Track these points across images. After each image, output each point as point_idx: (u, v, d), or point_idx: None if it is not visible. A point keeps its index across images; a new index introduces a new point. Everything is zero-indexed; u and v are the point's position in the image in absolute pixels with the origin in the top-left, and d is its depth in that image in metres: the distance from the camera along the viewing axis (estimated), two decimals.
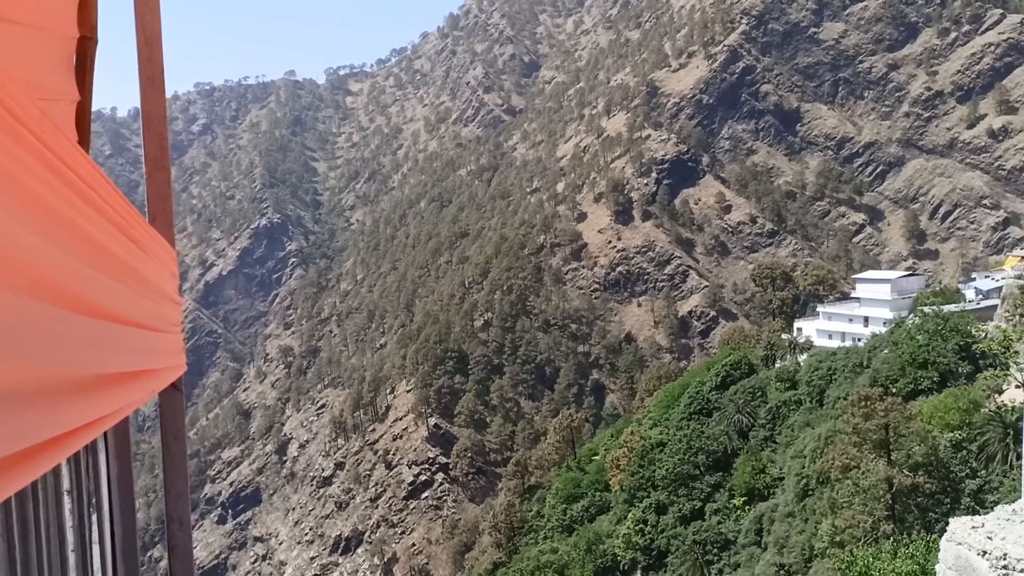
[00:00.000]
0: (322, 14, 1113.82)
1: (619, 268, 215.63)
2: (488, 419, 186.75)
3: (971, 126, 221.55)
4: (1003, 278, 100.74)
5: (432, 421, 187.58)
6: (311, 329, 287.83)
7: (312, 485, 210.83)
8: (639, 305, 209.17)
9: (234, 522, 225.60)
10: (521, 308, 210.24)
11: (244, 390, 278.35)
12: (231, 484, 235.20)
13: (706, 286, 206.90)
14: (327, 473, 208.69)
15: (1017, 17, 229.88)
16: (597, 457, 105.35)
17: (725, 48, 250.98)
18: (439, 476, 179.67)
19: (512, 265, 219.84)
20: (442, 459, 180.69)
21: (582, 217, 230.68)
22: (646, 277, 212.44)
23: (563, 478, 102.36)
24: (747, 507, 72.03)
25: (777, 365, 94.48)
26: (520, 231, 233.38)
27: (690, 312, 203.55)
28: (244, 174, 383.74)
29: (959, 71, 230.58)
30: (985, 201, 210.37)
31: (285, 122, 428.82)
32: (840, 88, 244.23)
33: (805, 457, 62.04)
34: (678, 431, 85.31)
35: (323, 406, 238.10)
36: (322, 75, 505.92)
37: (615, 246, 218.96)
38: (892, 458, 49.98)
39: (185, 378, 4.19)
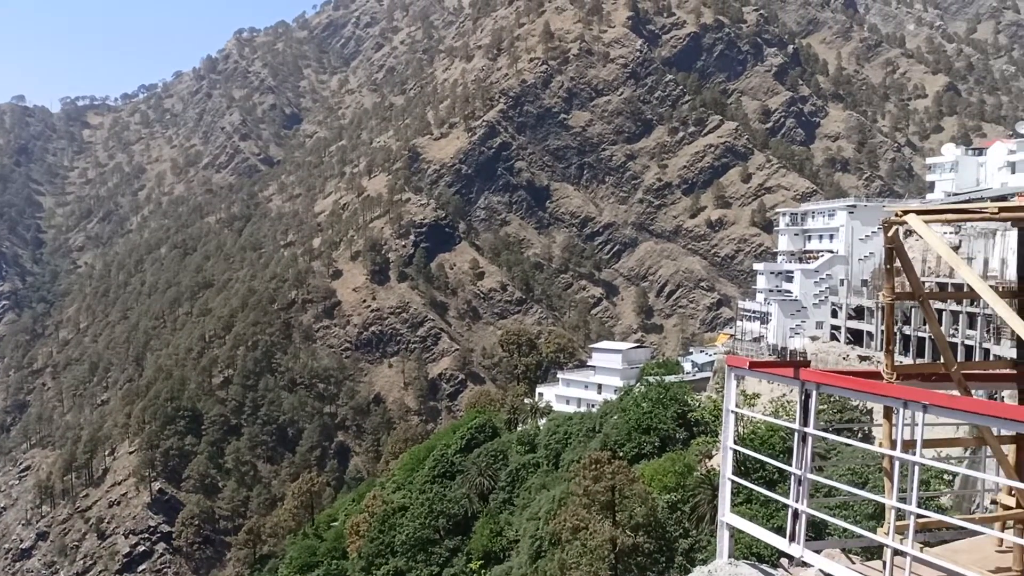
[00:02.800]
0: (62, 38, 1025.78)
1: (372, 328, 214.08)
2: (221, 484, 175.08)
3: (693, 216, 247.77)
4: (715, 353, 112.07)
5: (156, 486, 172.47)
6: (19, 381, 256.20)
7: (6, 559, 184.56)
8: (390, 366, 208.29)
9: None
10: (266, 365, 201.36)
11: None
12: None
13: (457, 349, 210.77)
14: (26, 544, 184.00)
15: (733, 124, 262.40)
16: (337, 523, 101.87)
17: (484, 123, 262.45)
18: (160, 546, 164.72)
19: (259, 320, 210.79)
20: (165, 527, 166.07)
21: (337, 274, 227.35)
22: (399, 338, 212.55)
23: (298, 546, 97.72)
24: (483, 571, 72.66)
25: (519, 428, 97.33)
26: (271, 285, 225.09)
27: (440, 374, 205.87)
28: None
29: (685, 166, 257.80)
30: (703, 283, 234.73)
31: (8, 150, 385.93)
32: (585, 171, 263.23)
33: (540, 519, 63.91)
34: (421, 494, 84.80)
35: (27, 468, 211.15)
36: (57, 104, 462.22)
37: (369, 305, 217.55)
38: (617, 519, 52.81)
39: None
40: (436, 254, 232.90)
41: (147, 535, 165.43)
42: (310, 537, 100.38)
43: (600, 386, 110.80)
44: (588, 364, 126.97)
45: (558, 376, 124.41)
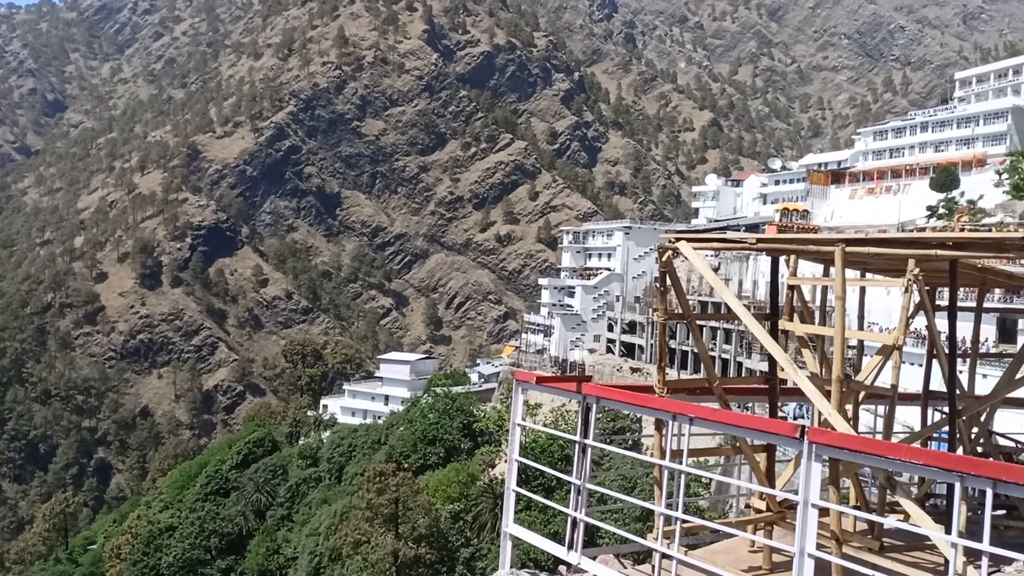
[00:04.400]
0: None
1: (140, 336, 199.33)
2: None
3: (483, 230, 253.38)
4: (500, 364, 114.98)
5: None
6: None
7: None
8: (160, 377, 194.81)
9: None
10: (15, 375, 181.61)
11: None
12: None
13: (235, 359, 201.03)
14: None
15: (523, 143, 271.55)
16: (95, 546, 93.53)
17: (272, 124, 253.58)
18: None
19: (8, 325, 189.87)
20: None
21: (102, 277, 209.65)
22: (171, 347, 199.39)
23: (48, 572, 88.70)
24: None
25: (301, 442, 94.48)
26: (23, 287, 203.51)
27: (216, 386, 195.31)
28: None
29: (476, 181, 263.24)
30: (491, 296, 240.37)
31: None
32: (378, 180, 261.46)
33: (320, 534, 62.31)
34: (191, 513, 79.82)
35: None
36: None
37: (138, 312, 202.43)
38: (400, 531, 52.59)
39: None
40: (215, 259, 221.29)
41: None
42: (63, 563, 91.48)
43: (387, 397, 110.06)
44: (376, 375, 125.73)
45: (344, 387, 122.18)
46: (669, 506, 7.60)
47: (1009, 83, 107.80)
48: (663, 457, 7.55)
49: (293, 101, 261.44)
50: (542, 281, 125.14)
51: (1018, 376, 9.54)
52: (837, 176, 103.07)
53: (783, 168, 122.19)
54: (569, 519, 7.84)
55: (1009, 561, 7.58)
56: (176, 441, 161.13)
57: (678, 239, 8.25)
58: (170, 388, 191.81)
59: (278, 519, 76.87)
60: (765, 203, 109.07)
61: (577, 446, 7.93)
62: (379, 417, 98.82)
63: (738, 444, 8.69)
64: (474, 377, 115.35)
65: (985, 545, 4.95)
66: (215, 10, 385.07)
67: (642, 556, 10.09)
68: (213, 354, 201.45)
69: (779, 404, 9.58)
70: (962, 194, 79.78)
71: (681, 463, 7.34)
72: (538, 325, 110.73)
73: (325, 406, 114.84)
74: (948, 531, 5.54)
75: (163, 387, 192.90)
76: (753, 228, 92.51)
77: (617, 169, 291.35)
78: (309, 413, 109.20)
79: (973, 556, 5.15)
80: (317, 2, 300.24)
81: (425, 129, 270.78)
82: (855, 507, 8.30)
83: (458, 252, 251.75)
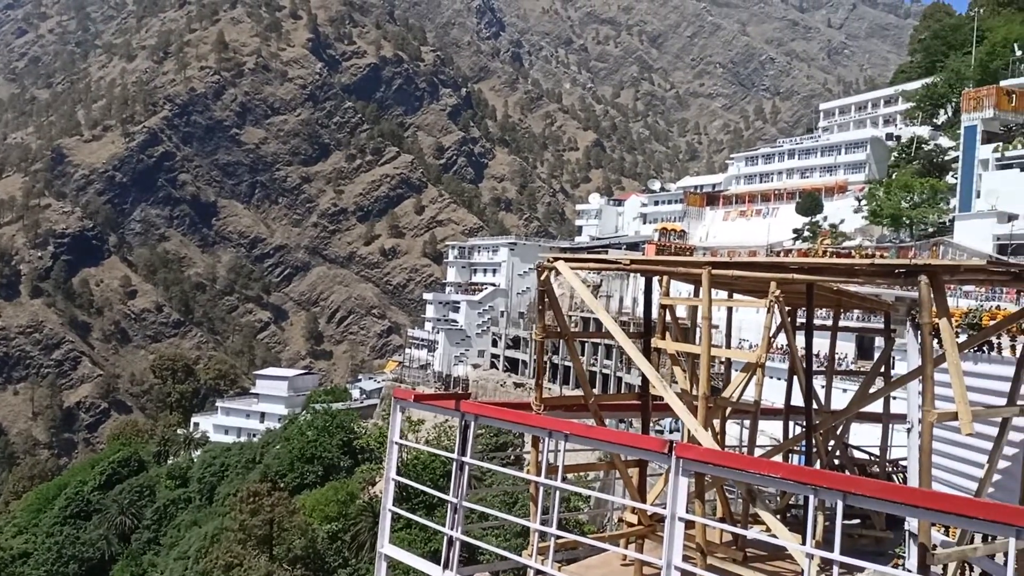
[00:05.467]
0: None
1: None
2: None
3: (368, 243, 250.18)
4: (383, 380, 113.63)
5: None
6: None
7: None
8: (16, 393, 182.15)
9: None
10: None
11: None
12: None
13: (100, 375, 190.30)
14: None
15: (409, 157, 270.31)
16: None
17: (145, 129, 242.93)
18: None
19: None
20: None
21: None
22: (28, 361, 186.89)
23: None
24: None
25: (170, 462, 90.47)
26: None
27: (79, 403, 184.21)
28: None
29: (361, 193, 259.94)
30: (374, 310, 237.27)
31: None
32: (257, 190, 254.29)
33: (189, 558, 59.69)
34: (48, 538, 74.93)
35: None
36: None
37: None
38: (274, 553, 51.00)
39: None
40: (79, 268, 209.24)
41: None
42: None
43: (263, 414, 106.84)
44: (251, 392, 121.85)
45: (217, 404, 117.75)
46: (544, 522, 7.67)
47: (868, 115, 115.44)
48: (539, 473, 7.63)
49: (168, 106, 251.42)
50: (427, 296, 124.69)
51: (871, 391, 10.17)
52: (712, 198, 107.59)
53: (662, 189, 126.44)
54: (445, 538, 7.81)
55: (861, 569, 8.04)
56: (33, 462, 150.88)
57: (556, 259, 8.41)
58: (27, 405, 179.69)
59: (144, 543, 73.23)
60: (645, 222, 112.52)
61: (455, 463, 7.92)
62: (254, 435, 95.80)
63: (613, 460, 8.89)
64: (355, 393, 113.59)
65: (836, 555, 5.22)
66: (85, 8, 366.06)
67: (521, 573, 10.14)
68: (75, 369, 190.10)
69: (653, 420, 9.87)
70: (825, 218, 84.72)
71: (557, 479, 7.44)
72: (422, 340, 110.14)
73: (196, 424, 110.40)
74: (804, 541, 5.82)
75: (19, 404, 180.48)
76: (634, 247, 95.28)
77: (503, 185, 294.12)
78: (179, 431, 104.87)
79: (830, 564, 5.42)
80: (196, 5, 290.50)
81: (308, 139, 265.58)
82: (721, 519, 8.62)
83: (341, 265, 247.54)
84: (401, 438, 8.55)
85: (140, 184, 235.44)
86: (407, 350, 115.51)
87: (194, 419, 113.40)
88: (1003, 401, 7.12)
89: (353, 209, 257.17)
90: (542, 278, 8.46)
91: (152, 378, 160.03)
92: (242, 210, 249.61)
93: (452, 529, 7.78)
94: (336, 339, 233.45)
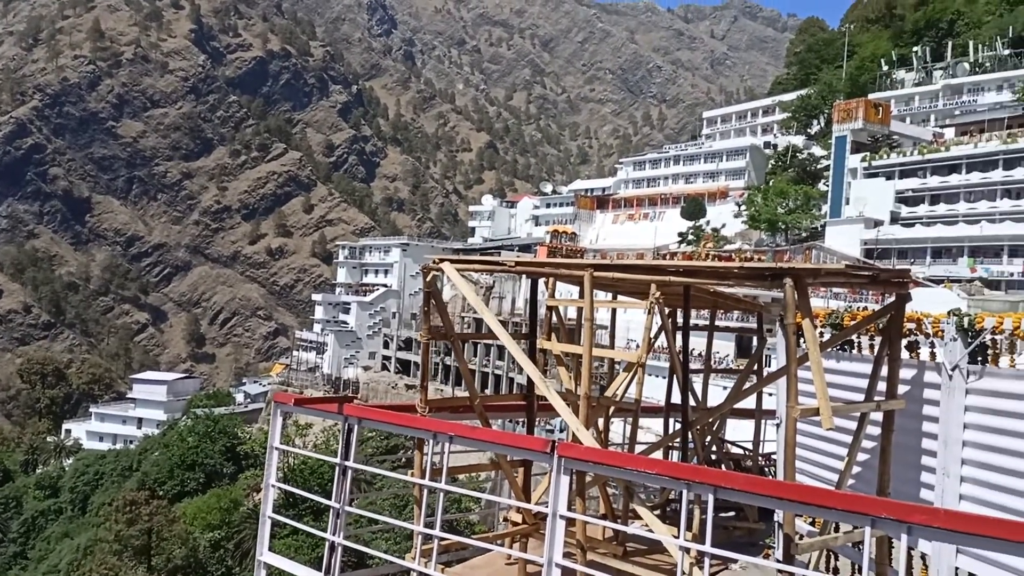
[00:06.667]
0: None
1: None
2: None
3: (253, 242, 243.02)
4: (269, 383, 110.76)
5: None
6: None
7: None
8: None
9: None
10: None
11: None
12: None
13: None
14: None
15: (297, 154, 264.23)
16: None
17: (12, 120, 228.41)
18: None
19: None
20: None
21: None
22: None
23: None
24: None
25: (39, 471, 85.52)
26: None
27: None
28: None
29: (246, 191, 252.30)
30: (260, 312, 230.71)
31: None
32: (135, 186, 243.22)
33: (60, 572, 56.57)
34: None
35: None
36: None
37: None
38: (152, 564, 48.94)
39: None
40: None
41: None
42: None
43: (141, 420, 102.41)
44: (128, 396, 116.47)
45: (91, 410, 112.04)
46: (430, 524, 7.66)
47: (748, 124, 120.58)
48: (423, 476, 7.61)
49: (38, 96, 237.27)
50: (316, 297, 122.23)
51: (744, 388, 10.61)
52: (602, 202, 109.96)
53: (554, 192, 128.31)
54: (327, 543, 7.68)
55: (734, 560, 8.37)
56: None
57: (441, 260, 8.42)
58: None
59: (9, 557, 68.97)
60: (538, 224, 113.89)
61: (337, 468, 7.80)
62: (131, 442, 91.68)
63: (499, 461, 8.95)
64: (240, 397, 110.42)
65: (707, 547, 5.40)
66: None
67: None
68: None
69: (546, 420, 10.01)
70: (708, 222, 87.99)
71: (441, 481, 7.43)
72: (311, 342, 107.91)
73: (68, 431, 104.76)
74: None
75: None
76: (526, 248, 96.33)
77: (395, 185, 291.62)
78: (49, 439, 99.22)
79: (710, 556, 5.58)
80: None
81: (190, 133, 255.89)
82: (602, 516, 8.82)
83: (225, 265, 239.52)
84: (287, 443, 8.36)
85: (7, 178, 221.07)
86: (295, 352, 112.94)
87: (66, 426, 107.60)
88: (862, 397, 7.57)
89: (238, 207, 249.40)
90: (427, 279, 8.46)
91: (19, 383, 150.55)
92: (118, 206, 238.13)
93: (334, 534, 7.66)
94: (219, 341, 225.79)
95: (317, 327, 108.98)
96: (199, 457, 66.56)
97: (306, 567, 7.93)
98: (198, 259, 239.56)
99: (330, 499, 7.69)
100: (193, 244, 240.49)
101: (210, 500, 57.81)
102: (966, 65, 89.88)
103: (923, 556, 7.49)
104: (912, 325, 7.59)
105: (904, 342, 7.66)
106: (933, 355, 7.59)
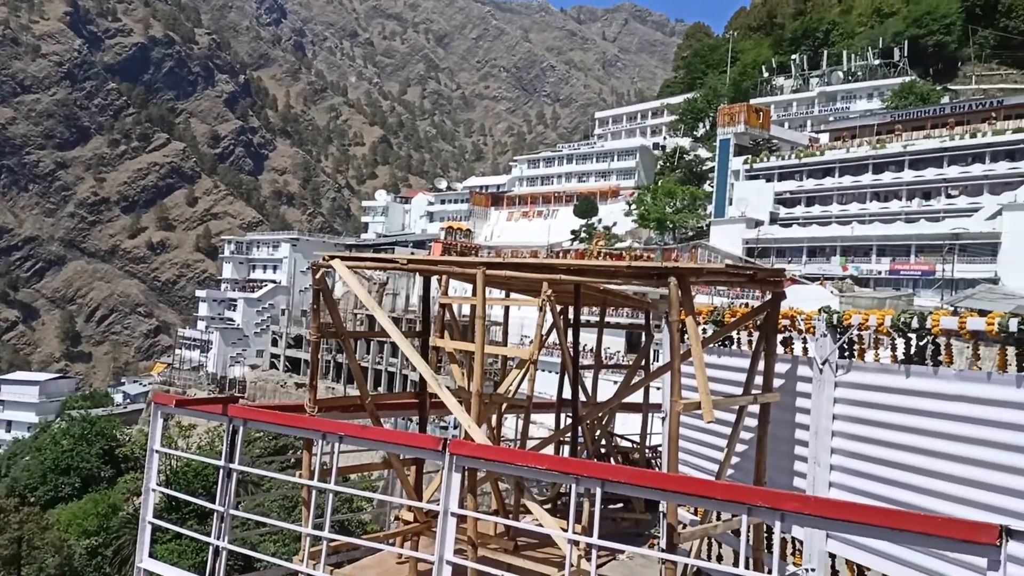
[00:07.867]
0: None
1: None
2: None
3: (133, 236, 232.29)
4: (150, 383, 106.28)
5: None
6: None
7: None
8: None
9: None
10: None
11: None
12: None
13: None
14: None
15: (181, 145, 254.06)
16: None
17: None
18: None
19: None
20: None
21: None
22: None
23: None
24: None
25: None
26: None
27: None
28: None
29: (126, 182, 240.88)
30: (140, 308, 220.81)
31: None
32: (3, 176, 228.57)
33: None
34: None
35: None
36: None
37: None
38: (23, 573, 46.24)
39: None
40: None
41: None
42: None
43: (10, 423, 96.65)
44: None
45: None
46: (319, 525, 7.55)
47: (638, 125, 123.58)
48: (312, 477, 7.49)
49: None
50: (200, 293, 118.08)
51: (632, 383, 10.92)
52: (496, 199, 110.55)
53: (448, 188, 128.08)
54: (211, 548, 7.46)
55: (621, 551, 8.61)
56: None
57: (332, 257, 8.31)
58: None
59: None
60: (432, 220, 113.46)
61: (222, 471, 7.58)
62: None
63: (391, 459, 8.91)
64: (118, 398, 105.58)
65: (595, 539, 5.54)
66: None
67: None
68: None
69: (433, 418, 9.99)
70: (599, 221, 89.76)
71: (331, 482, 7.33)
72: (195, 340, 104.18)
73: None
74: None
75: None
76: (421, 245, 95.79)
77: (285, 179, 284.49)
78: None
79: (597, 548, 5.69)
80: None
81: (64, 121, 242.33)
82: (494, 512, 8.90)
83: (102, 260, 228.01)
84: (169, 445, 8.05)
85: None
86: (177, 351, 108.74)
87: None
88: (740, 391, 7.91)
89: (116, 199, 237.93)
90: (317, 276, 8.33)
91: None
92: None
93: (219, 538, 7.45)
94: (96, 340, 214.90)
95: (201, 324, 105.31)
96: (74, 461, 63.25)
97: (189, 572, 7.69)
98: (73, 253, 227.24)
99: (214, 502, 7.47)
100: (68, 238, 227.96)
101: (86, 505, 55.05)
102: (840, 73, 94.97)
103: (796, 541, 7.90)
104: (787, 321, 7.99)
105: (779, 338, 8.05)
106: (806, 350, 8.00)
